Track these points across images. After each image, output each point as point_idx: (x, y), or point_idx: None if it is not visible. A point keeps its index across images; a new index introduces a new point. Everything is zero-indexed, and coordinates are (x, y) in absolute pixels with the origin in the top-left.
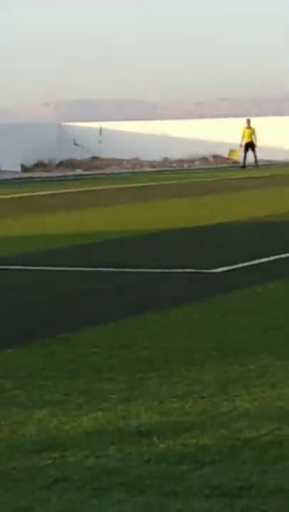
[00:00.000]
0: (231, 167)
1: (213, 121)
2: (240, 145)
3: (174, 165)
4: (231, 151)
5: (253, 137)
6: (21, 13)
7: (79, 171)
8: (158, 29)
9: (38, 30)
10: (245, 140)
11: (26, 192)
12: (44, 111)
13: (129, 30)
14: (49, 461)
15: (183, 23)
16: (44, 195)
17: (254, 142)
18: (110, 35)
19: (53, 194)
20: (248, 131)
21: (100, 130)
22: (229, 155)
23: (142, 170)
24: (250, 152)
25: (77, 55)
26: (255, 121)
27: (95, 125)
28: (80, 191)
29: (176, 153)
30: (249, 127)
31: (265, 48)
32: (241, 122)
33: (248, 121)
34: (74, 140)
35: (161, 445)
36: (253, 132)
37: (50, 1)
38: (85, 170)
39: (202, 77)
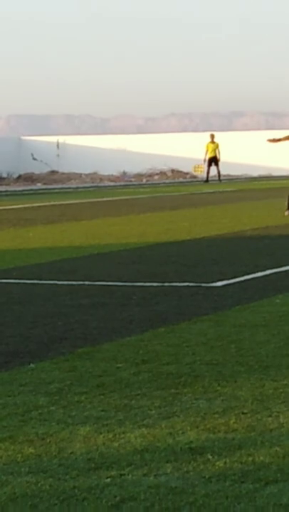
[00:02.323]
0: (192, 181)
1: (168, 136)
2: (204, 160)
3: (133, 179)
4: (196, 166)
5: (217, 152)
6: None
7: (39, 185)
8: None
9: None
10: (209, 155)
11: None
12: None
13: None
14: (108, 480)
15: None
16: (16, 209)
17: (217, 157)
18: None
19: (26, 208)
20: (211, 146)
21: (58, 144)
22: (195, 170)
23: (103, 184)
24: (213, 167)
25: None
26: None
27: (52, 139)
28: (52, 205)
29: (133, 168)
30: (213, 142)
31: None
32: (194, 137)
33: (212, 136)
34: (32, 154)
35: (217, 463)
36: (216, 147)
37: None
38: (44, 184)
39: (152, 92)
